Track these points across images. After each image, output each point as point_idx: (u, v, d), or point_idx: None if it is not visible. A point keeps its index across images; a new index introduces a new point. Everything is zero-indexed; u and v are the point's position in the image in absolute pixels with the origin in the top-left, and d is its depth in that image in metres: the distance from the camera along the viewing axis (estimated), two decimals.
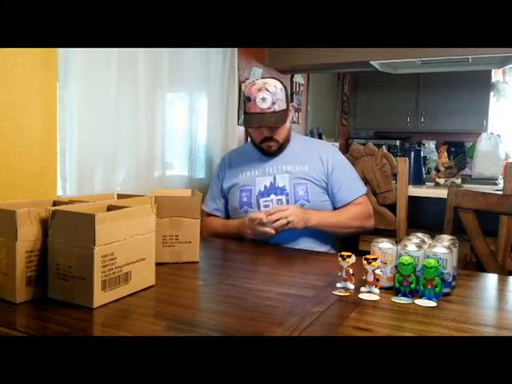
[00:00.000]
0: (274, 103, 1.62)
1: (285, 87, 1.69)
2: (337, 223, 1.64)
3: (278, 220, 1.50)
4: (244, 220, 1.59)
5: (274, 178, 1.69)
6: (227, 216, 1.81)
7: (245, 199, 1.69)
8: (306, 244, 1.63)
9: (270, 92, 1.61)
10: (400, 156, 3.14)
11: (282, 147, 1.72)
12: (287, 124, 1.70)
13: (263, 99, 1.61)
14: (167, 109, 1.99)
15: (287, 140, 1.73)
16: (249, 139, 1.86)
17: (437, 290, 1.00)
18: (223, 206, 1.80)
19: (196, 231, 1.29)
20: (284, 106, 1.65)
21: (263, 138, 1.67)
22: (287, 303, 1.00)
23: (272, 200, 1.66)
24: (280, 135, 1.68)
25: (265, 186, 1.69)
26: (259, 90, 1.62)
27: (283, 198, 1.66)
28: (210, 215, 1.82)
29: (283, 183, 1.67)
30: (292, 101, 3.57)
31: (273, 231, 1.51)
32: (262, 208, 1.66)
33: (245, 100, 1.68)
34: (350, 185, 1.72)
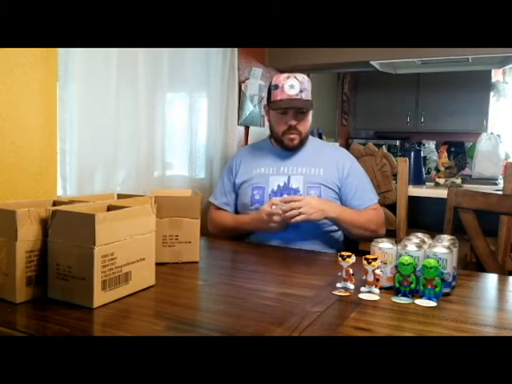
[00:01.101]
0: (301, 91, 1.64)
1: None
2: (356, 221, 1.63)
3: (290, 210, 1.49)
4: (260, 215, 1.57)
5: (289, 179, 1.69)
6: (235, 211, 1.80)
7: (257, 197, 1.69)
8: (313, 246, 1.62)
9: (298, 80, 1.64)
10: (400, 156, 3.14)
11: (302, 143, 1.72)
12: (310, 118, 1.72)
13: (291, 86, 1.63)
14: (167, 109, 1.99)
15: (307, 136, 1.74)
16: (245, 139, 1.85)
17: (437, 290, 1.00)
18: (233, 200, 1.80)
19: (196, 231, 1.29)
20: (310, 97, 1.68)
21: (287, 127, 1.67)
22: (287, 303, 1.00)
23: None
24: (304, 127, 1.69)
25: (278, 186, 1.69)
26: (288, 77, 1.65)
27: None
28: (218, 209, 1.81)
29: (297, 185, 1.67)
30: None
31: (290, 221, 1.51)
32: (273, 207, 1.62)
33: (271, 89, 1.69)
34: (364, 193, 1.72)
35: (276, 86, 1.66)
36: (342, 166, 1.72)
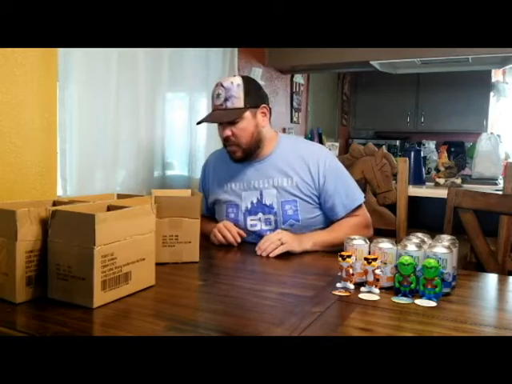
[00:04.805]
0: (226, 100, 1.48)
1: (249, 85, 1.53)
2: (333, 241, 1.50)
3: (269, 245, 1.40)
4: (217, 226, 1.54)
5: (261, 194, 1.58)
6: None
7: (232, 215, 1.60)
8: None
9: (223, 87, 1.49)
10: (400, 156, 3.15)
11: (249, 154, 1.56)
12: (248, 126, 1.52)
13: (218, 95, 1.50)
14: (167, 109, 1.99)
15: (256, 146, 1.56)
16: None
17: (437, 290, 1.00)
18: (213, 214, 1.71)
19: (196, 231, 1.29)
20: (239, 105, 1.49)
21: (224, 139, 1.54)
22: (287, 303, 1.00)
23: (260, 218, 1.57)
24: (240, 138, 1.52)
25: (252, 203, 1.59)
26: (216, 85, 1.52)
27: (271, 217, 1.56)
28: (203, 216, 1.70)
29: (270, 201, 1.56)
30: (292, 101, 3.57)
31: (238, 239, 1.51)
32: (250, 227, 1.58)
33: None
34: (345, 197, 1.57)
35: (211, 96, 1.54)
36: (315, 171, 1.56)
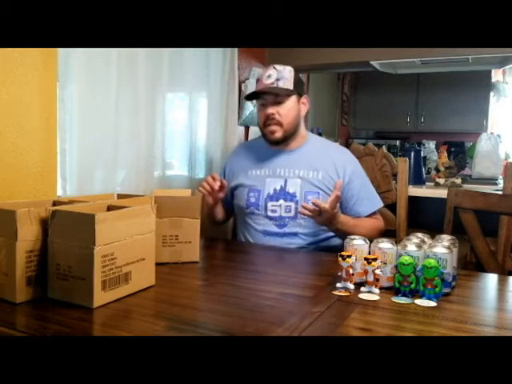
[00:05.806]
0: (278, 79, 1.59)
1: (297, 74, 1.65)
2: (356, 233, 1.50)
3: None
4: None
5: (285, 182, 1.63)
6: (231, 210, 1.78)
7: (252, 200, 1.64)
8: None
9: (276, 69, 1.60)
10: (400, 156, 3.14)
11: (287, 137, 1.63)
12: (292, 108, 1.62)
13: (269, 76, 1.60)
14: (167, 109, 1.99)
15: (293, 132, 1.65)
16: (245, 139, 1.81)
17: (437, 290, 1.00)
18: (227, 199, 1.74)
19: (196, 231, 1.29)
20: (289, 87, 1.60)
21: (265, 118, 1.61)
22: (287, 303, 1.00)
23: (280, 205, 1.61)
24: (284, 118, 1.60)
25: (274, 189, 1.63)
26: (267, 68, 1.63)
27: (292, 204, 1.60)
28: None
29: (294, 189, 1.61)
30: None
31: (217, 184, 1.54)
32: (269, 212, 1.61)
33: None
34: (365, 200, 1.65)
35: (257, 80, 1.67)
36: (342, 170, 1.63)
